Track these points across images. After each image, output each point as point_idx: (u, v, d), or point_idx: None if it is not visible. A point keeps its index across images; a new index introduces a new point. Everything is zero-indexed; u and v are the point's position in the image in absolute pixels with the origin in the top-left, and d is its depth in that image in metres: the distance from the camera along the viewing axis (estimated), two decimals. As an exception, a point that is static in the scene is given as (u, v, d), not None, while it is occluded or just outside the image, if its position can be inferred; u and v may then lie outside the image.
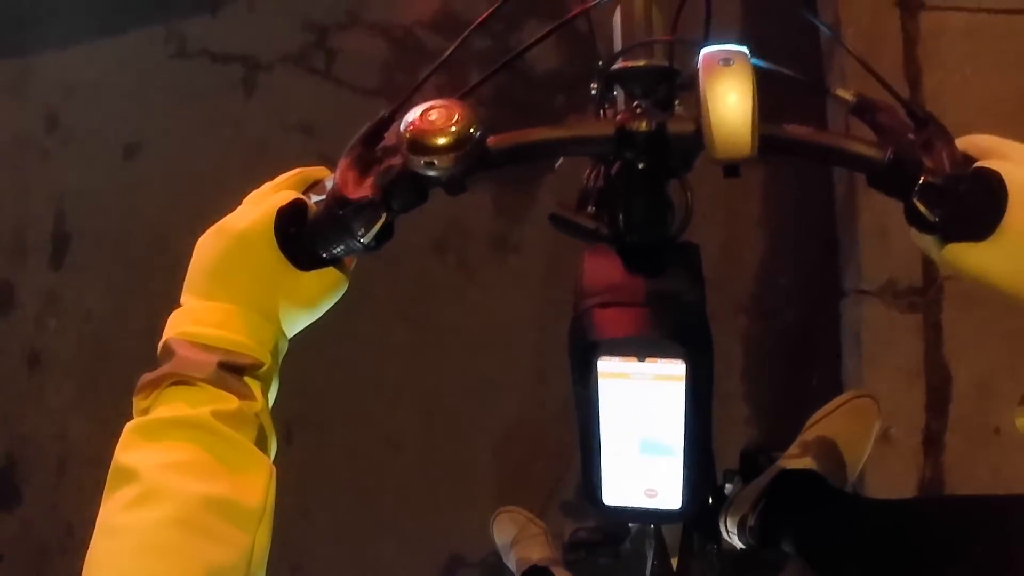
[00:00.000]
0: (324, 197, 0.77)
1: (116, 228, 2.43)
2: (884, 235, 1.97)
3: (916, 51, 2.12)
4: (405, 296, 2.24)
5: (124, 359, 2.20)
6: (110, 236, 2.43)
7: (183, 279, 0.79)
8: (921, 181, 0.72)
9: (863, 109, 0.79)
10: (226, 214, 0.80)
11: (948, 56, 2.10)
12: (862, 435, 1.60)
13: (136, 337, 2.22)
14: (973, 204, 0.73)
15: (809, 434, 1.61)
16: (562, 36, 2.18)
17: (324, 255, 0.77)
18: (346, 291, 0.81)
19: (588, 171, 0.89)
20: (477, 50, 2.22)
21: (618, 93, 0.92)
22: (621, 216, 0.88)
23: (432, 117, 0.72)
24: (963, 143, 0.77)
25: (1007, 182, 0.72)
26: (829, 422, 1.62)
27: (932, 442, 1.90)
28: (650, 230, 0.89)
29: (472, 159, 0.72)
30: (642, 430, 0.92)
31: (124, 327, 2.33)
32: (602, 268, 0.89)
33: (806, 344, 2.12)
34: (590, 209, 0.86)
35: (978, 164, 0.74)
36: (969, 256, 0.75)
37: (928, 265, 1.94)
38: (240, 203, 0.82)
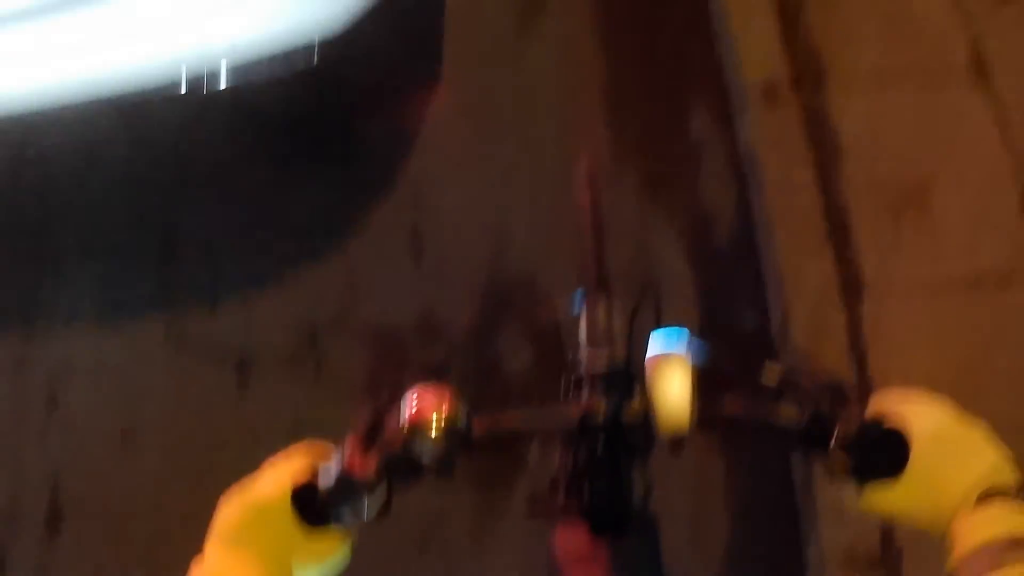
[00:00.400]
0: (332, 468, 0.91)
1: (111, 509, 2.46)
2: (841, 507, 2.07)
3: (860, 330, 2.32)
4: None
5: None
6: (105, 516, 2.46)
7: (175, 560, 0.91)
8: (835, 436, 0.88)
9: (787, 380, 0.94)
10: (219, 501, 0.95)
11: (890, 333, 2.31)
12: None
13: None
14: (883, 449, 0.88)
15: None
16: (534, 333, 2.38)
17: (333, 523, 0.91)
18: None
19: (558, 455, 1.02)
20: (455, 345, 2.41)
21: (584, 382, 1.07)
22: (587, 494, 1.00)
23: (425, 405, 0.88)
24: (876, 398, 0.94)
25: (912, 426, 0.89)
26: None
27: None
28: (614, 505, 1.00)
29: (461, 445, 0.89)
30: None
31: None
32: (572, 539, 1.01)
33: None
34: (561, 491, 0.99)
35: (887, 413, 0.90)
36: (885, 497, 0.90)
37: (886, 532, 2.04)
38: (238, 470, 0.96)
